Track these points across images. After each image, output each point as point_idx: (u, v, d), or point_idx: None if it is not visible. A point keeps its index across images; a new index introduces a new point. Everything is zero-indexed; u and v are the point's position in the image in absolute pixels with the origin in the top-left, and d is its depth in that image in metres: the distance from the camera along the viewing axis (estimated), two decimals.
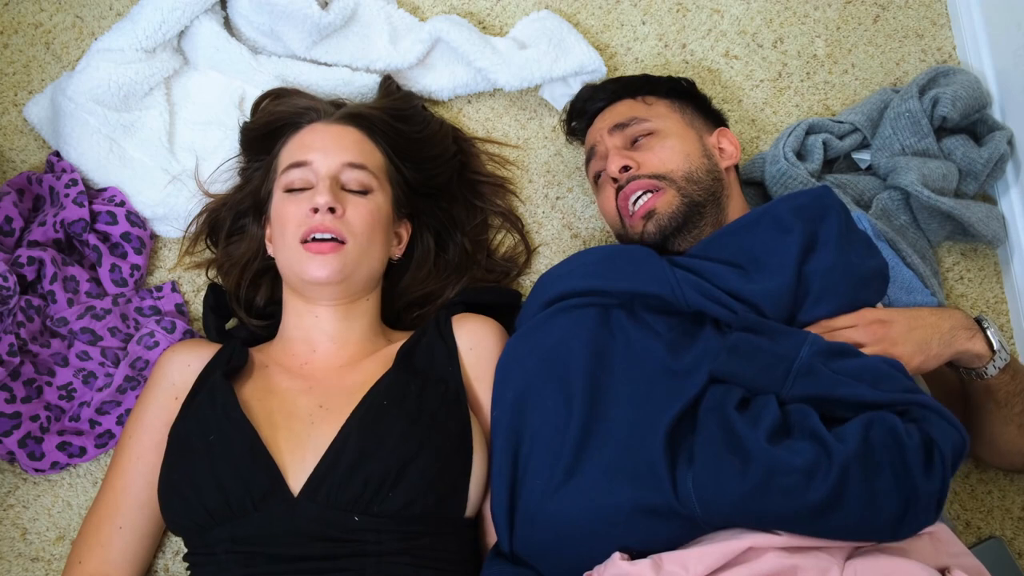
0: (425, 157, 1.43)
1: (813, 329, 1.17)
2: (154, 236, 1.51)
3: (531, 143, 1.62)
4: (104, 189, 1.47)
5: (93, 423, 1.38)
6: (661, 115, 1.38)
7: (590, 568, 1.08)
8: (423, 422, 1.17)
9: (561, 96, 1.58)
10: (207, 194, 1.47)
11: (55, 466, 1.37)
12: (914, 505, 1.00)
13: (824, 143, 1.54)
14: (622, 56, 1.67)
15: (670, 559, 1.02)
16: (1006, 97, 1.59)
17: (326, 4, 1.53)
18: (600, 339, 1.19)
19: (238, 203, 1.42)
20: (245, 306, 1.41)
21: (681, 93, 1.43)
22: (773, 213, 1.23)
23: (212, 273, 1.48)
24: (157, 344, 1.38)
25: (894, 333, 1.17)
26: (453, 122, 1.59)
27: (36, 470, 1.36)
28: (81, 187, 1.43)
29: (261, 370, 1.28)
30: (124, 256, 1.45)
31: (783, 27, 1.69)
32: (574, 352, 1.18)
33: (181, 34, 1.53)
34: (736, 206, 1.36)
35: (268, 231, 1.36)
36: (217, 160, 1.48)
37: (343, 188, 1.29)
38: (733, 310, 1.17)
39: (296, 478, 1.13)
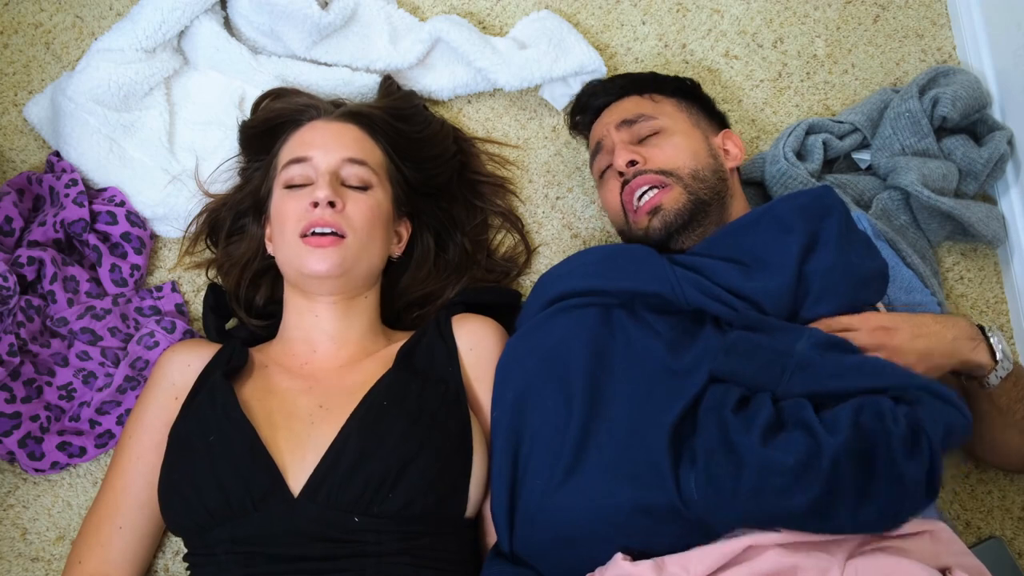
0: (425, 157, 1.43)
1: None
2: (154, 236, 1.51)
3: (531, 143, 1.62)
4: (104, 189, 1.47)
5: (93, 423, 1.38)
6: (668, 113, 1.37)
7: (590, 568, 1.08)
8: (423, 422, 1.17)
9: (561, 96, 1.58)
10: (207, 194, 1.47)
11: (55, 466, 1.37)
12: (901, 491, 1.00)
13: (824, 143, 1.54)
14: (622, 56, 1.67)
15: (672, 561, 1.02)
16: (1006, 97, 1.59)
17: (326, 4, 1.53)
18: (600, 339, 1.19)
19: (238, 203, 1.42)
20: (245, 306, 1.41)
21: (687, 93, 1.43)
22: (774, 213, 1.23)
23: (212, 273, 1.48)
24: (157, 344, 1.38)
25: (897, 341, 1.16)
26: (453, 122, 1.59)
27: (36, 470, 1.36)
28: (81, 187, 1.43)
29: (261, 370, 1.28)
30: (124, 256, 1.45)
31: (783, 27, 1.69)
32: (574, 352, 1.18)
33: (181, 34, 1.53)
34: (738, 206, 1.36)
35: (268, 230, 1.36)
36: (217, 160, 1.48)
37: (343, 184, 1.29)
38: (734, 307, 1.17)
39: (296, 478, 1.13)
